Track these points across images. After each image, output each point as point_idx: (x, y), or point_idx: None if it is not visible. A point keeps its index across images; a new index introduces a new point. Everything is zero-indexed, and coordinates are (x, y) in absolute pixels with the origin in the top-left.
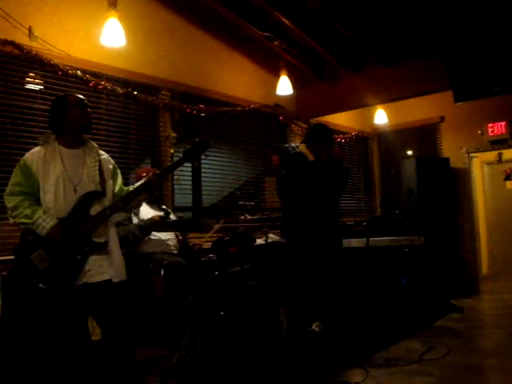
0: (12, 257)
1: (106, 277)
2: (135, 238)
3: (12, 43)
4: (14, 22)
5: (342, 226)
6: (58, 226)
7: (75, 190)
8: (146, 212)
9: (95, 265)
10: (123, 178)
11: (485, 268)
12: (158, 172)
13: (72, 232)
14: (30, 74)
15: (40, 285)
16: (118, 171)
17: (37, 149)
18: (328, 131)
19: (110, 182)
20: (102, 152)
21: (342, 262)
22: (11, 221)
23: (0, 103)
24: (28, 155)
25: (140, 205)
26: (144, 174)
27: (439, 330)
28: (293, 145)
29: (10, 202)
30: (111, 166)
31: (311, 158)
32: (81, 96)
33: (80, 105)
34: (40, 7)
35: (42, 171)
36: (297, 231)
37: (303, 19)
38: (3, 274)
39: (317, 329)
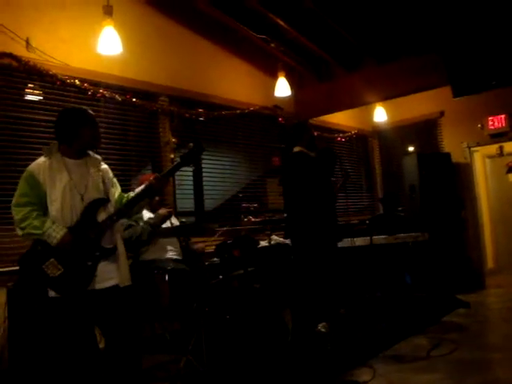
0: (16, 268)
1: (114, 282)
2: (149, 235)
3: (10, 55)
4: (11, 34)
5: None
6: (68, 235)
7: (82, 199)
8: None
9: (104, 270)
10: (125, 185)
11: (490, 262)
12: (159, 176)
13: (81, 239)
14: (29, 85)
15: (53, 293)
16: (115, 180)
17: (41, 159)
18: (305, 124)
19: (112, 189)
20: (102, 163)
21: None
22: (20, 233)
23: (0, 115)
24: (34, 166)
25: (141, 210)
26: (147, 182)
27: (446, 326)
28: None
29: (18, 213)
30: (111, 175)
31: (312, 154)
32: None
33: (96, 124)
34: (37, 18)
35: (49, 181)
36: (303, 231)
37: (299, 20)
38: (8, 284)
39: (323, 329)
